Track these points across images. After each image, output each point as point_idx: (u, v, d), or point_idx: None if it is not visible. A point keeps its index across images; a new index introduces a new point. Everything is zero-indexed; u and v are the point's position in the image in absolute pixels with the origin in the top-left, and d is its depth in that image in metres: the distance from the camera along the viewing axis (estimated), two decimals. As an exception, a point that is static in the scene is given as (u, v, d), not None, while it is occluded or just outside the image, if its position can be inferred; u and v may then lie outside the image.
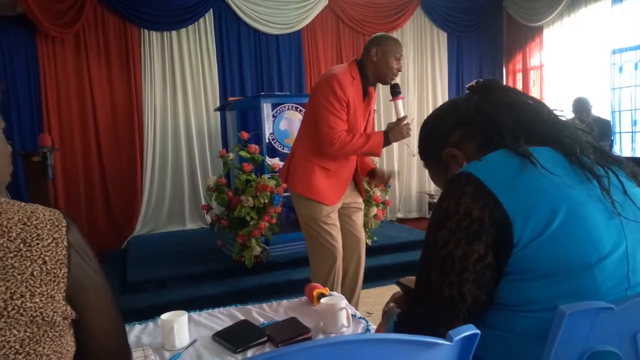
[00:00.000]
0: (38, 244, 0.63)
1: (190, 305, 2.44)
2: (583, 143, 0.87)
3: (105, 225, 5.10)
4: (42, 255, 0.62)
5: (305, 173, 2.35)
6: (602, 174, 0.83)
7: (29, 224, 0.63)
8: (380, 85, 2.45)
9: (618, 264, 0.76)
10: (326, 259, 2.38)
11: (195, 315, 1.55)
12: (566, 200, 0.77)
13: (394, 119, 2.32)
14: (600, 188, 0.80)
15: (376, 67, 2.28)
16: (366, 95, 2.34)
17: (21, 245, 0.61)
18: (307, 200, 2.36)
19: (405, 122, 2.26)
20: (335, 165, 2.34)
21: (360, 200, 2.56)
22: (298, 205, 2.43)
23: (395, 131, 2.26)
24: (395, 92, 2.30)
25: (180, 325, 1.34)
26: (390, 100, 2.33)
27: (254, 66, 5.61)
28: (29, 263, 0.61)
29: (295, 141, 2.50)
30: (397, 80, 2.36)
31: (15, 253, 0.61)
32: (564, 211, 0.76)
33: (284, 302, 1.67)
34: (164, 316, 1.36)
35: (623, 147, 5.48)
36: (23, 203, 0.66)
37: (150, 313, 1.68)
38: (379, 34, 2.40)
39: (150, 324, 1.50)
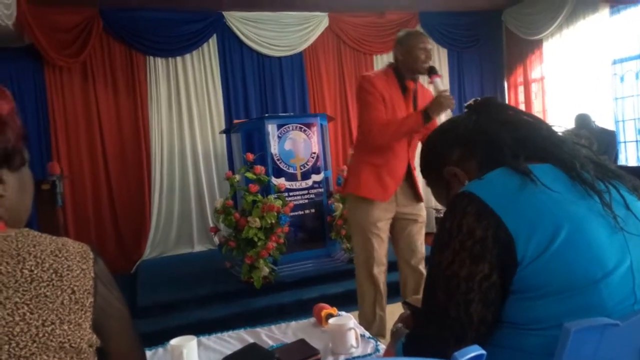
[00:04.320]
0: (68, 274, 0.66)
1: (200, 327, 2.45)
2: (582, 158, 0.87)
3: (114, 251, 5.13)
4: (71, 285, 0.66)
5: (354, 171, 2.49)
6: (602, 189, 0.83)
7: (60, 255, 0.67)
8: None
9: (623, 279, 0.76)
10: (363, 268, 2.48)
11: (204, 339, 1.55)
12: (568, 217, 0.77)
13: None
14: (602, 203, 0.80)
15: (405, 64, 2.38)
16: (406, 90, 2.41)
17: (53, 276, 0.65)
18: (355, 201, 2.45)
19: (444, 95, 2.23)
20: (382, 160, 2.39)
21: (418, 211, 2.53)
22: (349, 210, 2.57)
23: (434, 104, 2.23)
24: (431, 72, 2.33)
25: (190, 350, 1.35)
26: (429, 83, 2.36)
27: (258, 88, 5.69)
28: (59, 292, 0.64)
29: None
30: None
31: (47, 282, 0.64)
32: (567, 228, 0.76)
33: (293, 323, 1.67)
34: (173, 341, 1.37)
35: (628, 157, 5.46)
36: (53, 236, 0.70)
37: (160, 337, 1.69)
38: (399, 33, 2.48)
39: (160, 350, 1.51)
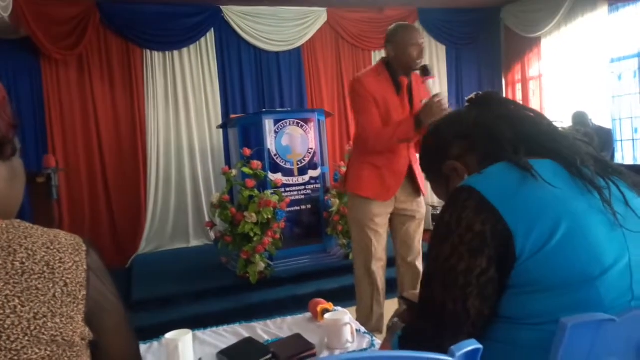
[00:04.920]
0: (60, 267, 0.65)
1: (195, 322, 2.44)
2: (583, 154, 0.87)
3: (109, 245, 5.11)
4: (63, 278, 0.65)
5: (355, 171, 2.46)
6: (603, 185, 0.82)
7: (52, 247, 0.66)
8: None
9: (621, 276, 0.76)
10: (361, 264, 2.47)
11: (199, 333, 1.54)
12: (568, 213, 0.77)
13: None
14: (602, 200, 0.80)
15: (397, 60, 2.33)
16: (400, 87, 2.37)
17: (45, 268, 0.64)
18: (355, 199, 2.44)
19: (436, 100, 2.14)
20: (384, 160, 2.37)
21: (417, 207, 2.50)
22: (349, 207, 2.56)
23: (424, 110, 2.16)
24: (423, 72, 2.26)
25: (185, 344, 1.34)
26: (422, 84, 2.31)
27: (255, 83, 5.67)
28: (51, 285, 0.63)
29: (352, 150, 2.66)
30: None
31: (39, 275, 0.63)
32: (566, 223, 0.76)
33: (288, 318, 1.66)
34: (168, 335, 1.36)
35: (625, 155, 5.48)
36: (45, 228, 0.69)
37: (155, 331, 1.68)
38: (390, 27, 2.40)
39: (155, 344, 1.50)
